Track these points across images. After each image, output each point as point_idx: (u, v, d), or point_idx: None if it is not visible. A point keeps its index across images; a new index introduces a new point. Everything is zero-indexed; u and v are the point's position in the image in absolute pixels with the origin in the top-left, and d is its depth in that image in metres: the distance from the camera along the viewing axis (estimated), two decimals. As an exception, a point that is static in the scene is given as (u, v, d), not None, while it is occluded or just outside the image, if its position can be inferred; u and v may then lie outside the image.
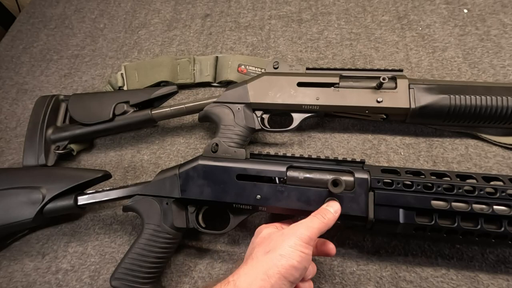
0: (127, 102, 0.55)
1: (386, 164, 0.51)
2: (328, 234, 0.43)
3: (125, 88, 0.63)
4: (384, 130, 0.54)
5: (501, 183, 0.39)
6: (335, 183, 0.39)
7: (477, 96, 0.47)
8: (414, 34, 0.64)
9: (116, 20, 0.79)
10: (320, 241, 0.40)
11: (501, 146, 0.50)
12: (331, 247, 0.40)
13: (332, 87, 0.51)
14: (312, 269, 0.38)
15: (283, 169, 0.42)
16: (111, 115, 0.54)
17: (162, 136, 0.60)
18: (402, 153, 0.52)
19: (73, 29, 0.79)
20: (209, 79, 0.63)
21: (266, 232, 0.39)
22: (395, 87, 0.49)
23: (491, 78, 0.57)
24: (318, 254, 0.40)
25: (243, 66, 0.62)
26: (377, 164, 0.51)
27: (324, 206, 0.39)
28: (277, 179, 0.43)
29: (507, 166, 0.48)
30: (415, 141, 0.53)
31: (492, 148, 0.50)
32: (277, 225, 0.41)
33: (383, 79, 0.48)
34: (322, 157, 0.44)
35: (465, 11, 0.65)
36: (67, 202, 0.47)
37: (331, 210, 0.38)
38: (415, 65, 0.60)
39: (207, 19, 0.75)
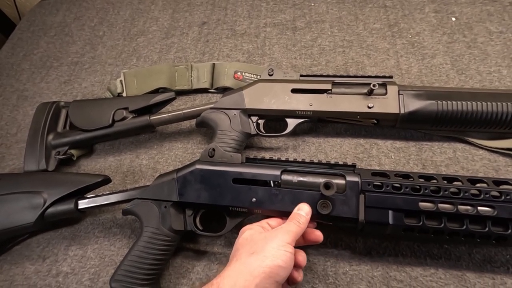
0: (126, 109, 0.57)
1: (377, 168, 0.53)
2: (323, 234, 0.45)
3: (124, 94, 0.64)
4: (375, 134, 0.56)
5: (485, 185, 0.41)
6: (327, 186, 0.40)
7: (463, 102, 0.49)
8: (404, 41, 0.67)
9: (115, 28, 0.80)
10: (307, 230, 0.42)
11: (487, 150, 0.52)
12: (318, 234, 0.42)
13: (325, 94, 0.53)
14: (303, 258, 0.40)
15: (278, 172, 0.44)
16: (110, 121, 0.56)
17: (160, 142, 0.61)
18: (392, 157, 0.54)
19: (73, 37, 0.80)
20: (206, 85, 0.65)
21: (248, 233, 0.40)
22: (385, 93, 0.51)
23: (477, 84, 0.59)
24: (307, 243, 0.42)
25: (239, 73, 0.64)
26: (368, 167, 0.53)
27: (295, 210, 0.41)
28: (272, 182, 0.44)
29: (492, 168, 0.50)
30: (405, 145, 0.55)
31: (479, 152, 0.52)
32: (260, 224, 0.42)
33: (374, 85, 0.50)
34: (315, 161, 0.45)
35: (453, 19, 0.68)
36: (67, 206, 0.48)
37: (302, 214, 0.41)
38: (405, 71, 0.63)
39: (204, 27, 0.77)
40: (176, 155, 0.59)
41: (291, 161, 0.46)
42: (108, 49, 0.76)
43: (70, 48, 0.79)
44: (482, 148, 0.52)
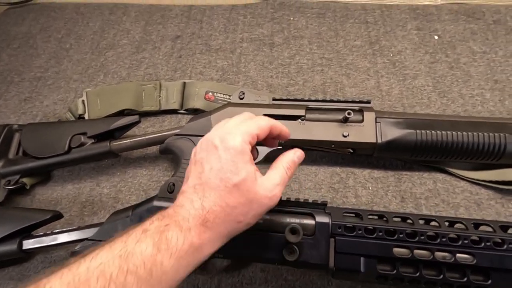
0: (84, 134, 0.52)
1: (353, 200, 0.50)
2: (293, 276, 0.41)
3: (86, 116, 0.60)
4: (352, 162, 0.53)
5: (464, 227, 0.38)
6: (293, 231, 0.37)
7: (443, 132, 0.46)
8: (386, 60, 0.64)
9: (83, 40, 0.76)
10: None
11: (469, 181, 0.49)
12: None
13: (299, 120, 0.49)
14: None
15: (242, 211, 0.40)
16: (66, 148, 0.51)
17: (124, 168, 0.57)
18: (370, 188, 0.50)
19: (37, 49, 0.75)
20: (175, 106, 0.61)
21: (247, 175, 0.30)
22: (362, 120, 0.48)
23: (460, 108, 0.56)
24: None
25: (210, 93, 0.60)
26: (344, 199, 0.50)
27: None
28: (236, 222, 0.40)
29: (474, 202, 0.47)
30: (384, 174, 0.51)
31: (460, 183, 0.49)
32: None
33: (348, 113, 0.47)
34: (284, 198, 0.42)
35: (436, 37, 0.65)
36: (10, 247, 0.43)
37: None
38: (386, 93, 0.60)
39: (177, 41, 0.72)
40: (140, 183, 0.55)
41: (257, 198, 0.42)
42: (74, 64, 0.72)
43: (33, 61, 0.73)
44: (464, 180, 0.49)
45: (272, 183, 0.31)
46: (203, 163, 0.29)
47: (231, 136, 0.30)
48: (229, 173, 0.28)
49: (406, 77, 0.61)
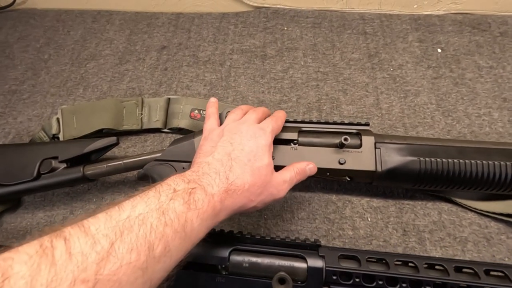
0: (55, 158, 0.48)
1: (351, 232, 0.45)
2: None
3: (60, 136, 0.55)
4: (350, 190, 0.48)
5: (474, 272, 0.33)
6: (282, 280, 0.32)
7: (449, 160, 0.42)
8: (385, 75, 0.59)
9: (63, 50, 0.71)
10: None
11: (477, 213, 0.45)
12: None
13: (291, 144, 0.45)
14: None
15: (225, 254, 0.35)
16: (35, 174, 0.46)
17: (101, 193, 0.52)
18: (369, 219, 0.46)
19: (14, 60, 0.71)
20: (158, 125, 0.56)
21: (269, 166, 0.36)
22: (360, 146, 0.44)
23: (466, 129, 0.52)
24: None
25: (196, 111, 0.56)
26: (340, 231, 0.45)
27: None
28: (219, 265, 0.36)
29: (483, 236, 0.43)
30: (384, 204, 0.47)
31: (468, 215, 0.45)
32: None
33: (345, 139, 0.42)
34: (273, 236, 0.37)
35: (439, 50, 0.61)
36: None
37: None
38: (386, 111, 0.55)
39: (163, 51, 0.68)
40: (118, 210, 0.50)
41: (244, 236, 0.37)
42: (52, 76, 0.67)
43: (9, 73, 0.69)
44: (471, 211, 0.45)
45: (282, 179, 0.36)
46: (234, 144, 0.35)
47: (263, 132, 0.38)
48: (257, 157, 0.35)
49: (408, 94, 0.56)
